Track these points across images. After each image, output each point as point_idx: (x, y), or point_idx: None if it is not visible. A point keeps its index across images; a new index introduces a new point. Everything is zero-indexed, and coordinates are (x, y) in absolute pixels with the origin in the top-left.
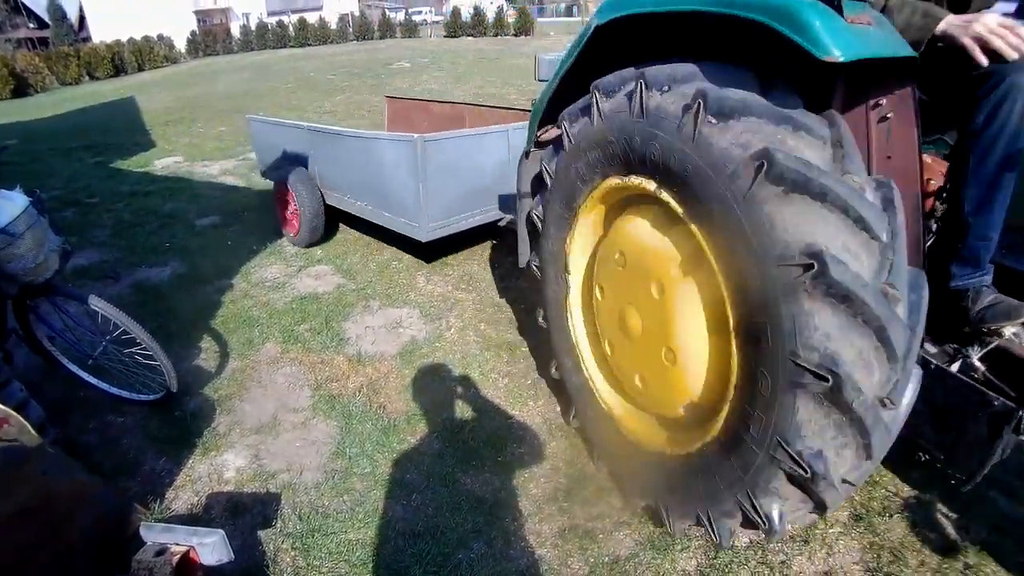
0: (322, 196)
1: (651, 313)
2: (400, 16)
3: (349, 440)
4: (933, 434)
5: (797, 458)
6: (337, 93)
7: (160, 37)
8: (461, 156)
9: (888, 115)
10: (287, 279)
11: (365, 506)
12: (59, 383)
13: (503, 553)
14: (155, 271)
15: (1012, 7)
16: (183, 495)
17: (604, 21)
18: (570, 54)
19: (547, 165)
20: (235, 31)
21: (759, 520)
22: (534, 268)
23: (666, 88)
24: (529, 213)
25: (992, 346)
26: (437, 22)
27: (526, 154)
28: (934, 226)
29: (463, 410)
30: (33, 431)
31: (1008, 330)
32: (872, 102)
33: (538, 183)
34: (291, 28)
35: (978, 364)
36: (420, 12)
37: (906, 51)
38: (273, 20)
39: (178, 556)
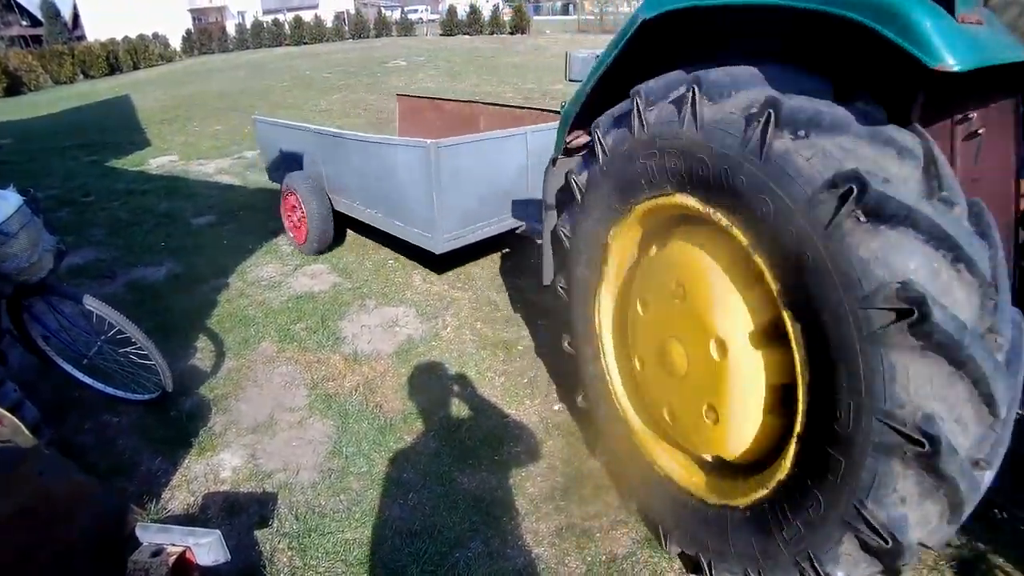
0: (330, 202)
1: (699, 353)
2: (396, 14)
3: (345, 439)
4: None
5: (877, 525)
6: (333, 92)
7: (155, 36)
8: (477, 162)
9: (978, 131)
10: (283, 278)
11: (362, 505)
12: (54, 383)
13: (500, 552)
14: (151, 270)
15: None
16: (179, 495)
17: (652, 15)
18: (608, 53)
19: (576, 177)
20: (230, 29)
21: None
22: (560, 289)
23: (726, 95)
24: (556, 229)
25: None
26: (433, 20)
27: (553, 162)
28: None
29: (460, 409)
30: (28, 432)
31: None
32: (959, 116)
33: (565, 196)
34: (287, 26)
35: None
36: (416, 10)
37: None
38: (268, 18)
39: (174, 557)
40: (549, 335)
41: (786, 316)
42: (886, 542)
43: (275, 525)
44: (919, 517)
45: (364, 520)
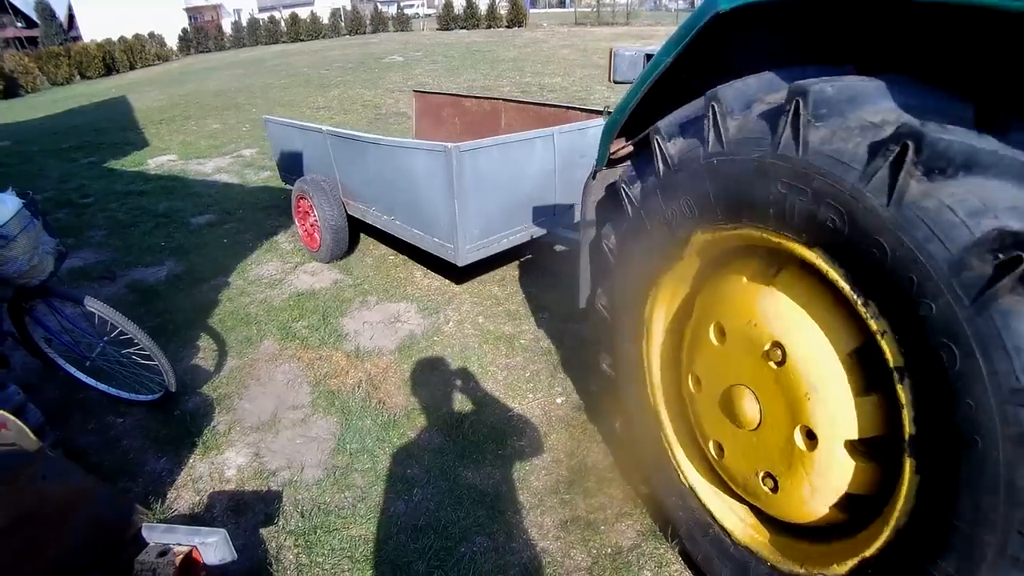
0: (345, 208)
1: (776, 413)
2: (392, 10)
3: (349, 436)
4: None
5: None
6: (331, 88)
7: (151, 35)
8: (502, 166)
9: None
10: (284, 276)
11: (367, 502)
12: (57, 385)
13: (505, 546)
14: (151, 271)
15: None
16: (184, 495)
17: (731, 6)
18: (666, 51)
19: (627, 189)
20: (227, 27)
21: None
22: (600, 307)
23: (839, 113)
24: (597, 244)
25: None
26: (430, 15)
27: (594, 173)
28: None
29: (463, 404)
30: (31, 435)
31: None
32: None
33: (612, 209)
34: (283, 23)
35: None
36: (412, 5)
37: None
38: (264, 16)
39: (181, 556)
40: (551, 328)
41: (905, 402)
42: None
43: (280, 523)
44: None
45: (369, 516)
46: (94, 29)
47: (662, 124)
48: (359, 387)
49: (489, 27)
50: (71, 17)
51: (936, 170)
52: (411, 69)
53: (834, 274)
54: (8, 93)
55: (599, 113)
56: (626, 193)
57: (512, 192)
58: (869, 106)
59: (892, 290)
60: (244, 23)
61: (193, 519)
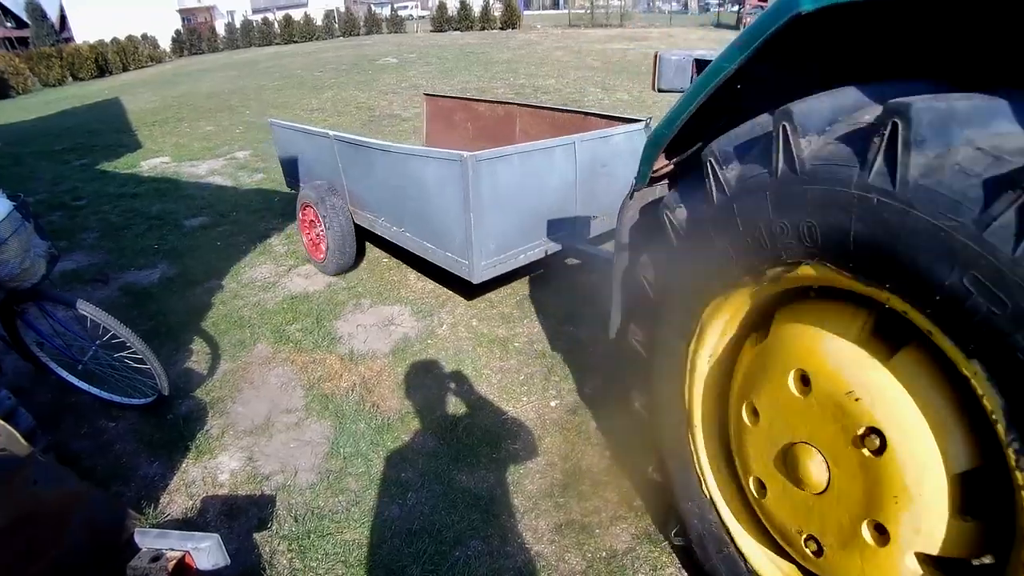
0: (352, 217)
1: (848, 495)
2: (386, 11)
3: (343, 440)
4: None
5: None
6: (324, 90)
7: (144, 36)
8: (521, 176)
9: None
10: (277, 279)
11: (361, 506)
12: (49, 389)
13: (500, 550)
14: (144, 273)
15: None
16: (177, 499)
17: (820, 6)
18: (732, 56)
19: (671, 215)
20: (220, 29)
21: None
22: (635, 344)
23: (946, 139)
24: (633, 273)
25: None
26: (423, 17)
27: (632, 192)
28: None
29: (457, 407)
30: (22, 440)
31: None
32: None
33: (651, 234)
34: (276, 25)
35: None
36: (406, 7)
37: None
38: (258, 17)
39: (173, 562)
40: (545, 331)
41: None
42: None
43: (274, 527)
44: None
45: (363, 521)
46: (86, 30)
47: (717, 144)
48: (353, 390)
49: (483, 29)
50: (63, 18)
51: None
52: (405, 71)
53: (922, 322)
54: None
55: (620, 120)
56: (669, 219)
57: (531, 204)
58: (985, 130)
59: (1008, 352)
60: (237, 24)
61: (186, 524)
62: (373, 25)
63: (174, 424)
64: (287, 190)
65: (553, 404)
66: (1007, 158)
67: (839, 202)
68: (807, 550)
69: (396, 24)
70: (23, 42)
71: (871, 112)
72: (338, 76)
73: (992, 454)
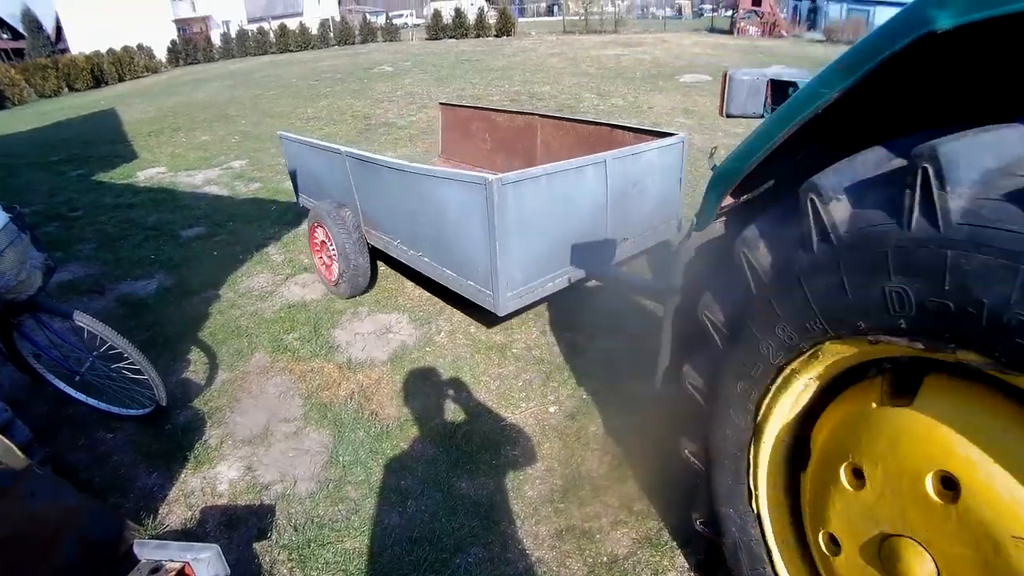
0: (365, 238)
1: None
2: (381, 20)
3: (342, 448)
4: None
5: None
6: (320, 99)
7: (140, 47)
8: (549, 199)
9: None
10: (275, 288)
11: (361, 514)
12: (46, 401)
13: (501, 557)
14: (141, 284)
15: None
16: (176, 510)
17: (955, 23)
18: (833, 81)
19: (751, 255)
20: (215, 39)
21: None
22: (690, 389)
23: None
24: (697, 314)
25: None
26: (418, 25)
27: (690, 232)
28: None
29: (456, 414)
30: (19, 452)
31: None
32: None
33: (718, 271)
34: (272, 35)
35: None
36: (401, 15)
37: None
38: (254, 27)
39: (173, 573)
40: (542, 337)
41: None
42: None
43: (274, 537)
44: None
45: (363, 529)
46: (82, 41)
47: (823, 181)
48: (351, 399)
49: (478, 36)
50: (59, 29)
51: None
52: (400, 79)
53: None
54: None
55: (652, 134)
56: (749, 261)
57: (559, 228)
58: None
59: None
60: (233, 34)
61: (185, 535)
62: (368, 34)
63: (172, 434)
64: (283, 200)
65: (552, 410)
66: None
67: (999, 278)
68: None
69: (391, 32)
70: (19, 53)
71: None
72: (333, 85)
73: None
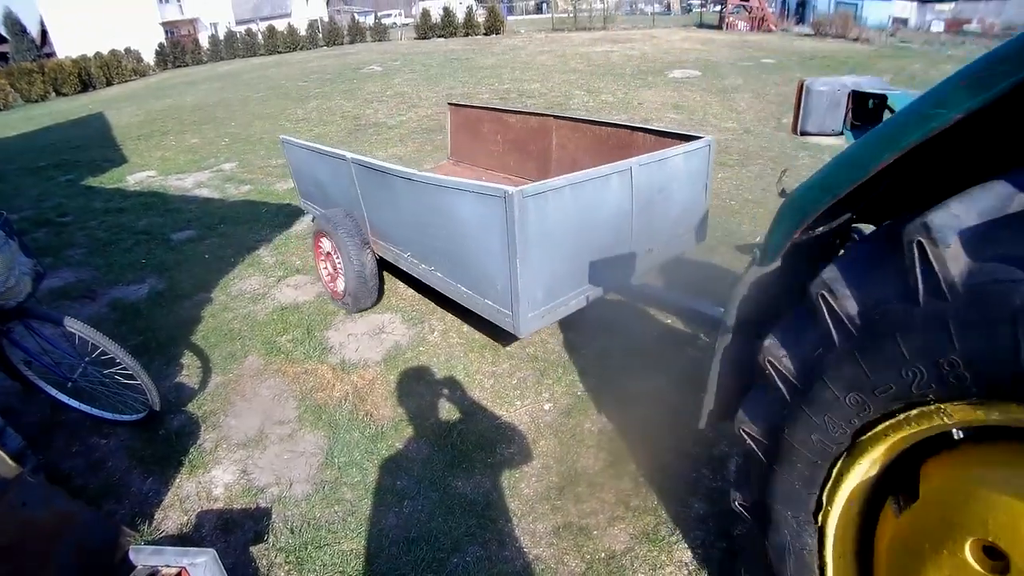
0: (373, 250)
1: None
2: (370, 20)
3: (337, 450)
4: None
5: None
6: (309, 100)
7: (127, 50)
8: (573, 210)
9: None
10: (267, 290)
11: (357, 515)
12: (39, 408)
13: (498, 555)
14: (132, 288)
15: None
16: (172, 515)
17: None
18: (956, 101)
19: (833, 300)
20: (204, 41)
21: None
22: (746, 436)
23: None
24: (759, 356)
25: None
26: (407, 24)
27: (756, 264)
28: None
29: (450, 413)
30: (10, 461)
31: None
32: None
33: (786, 317)
34: (260, 36)
35: None
36: (389, 15)
37: None
38: (242, 29)
39: None
40: (536, 334)
41: None
42: None
43: (271, 540)
44: None
45: (360, 530)
46: (68, 45)
47: (934, 223)
48: (346, 400)
49: (467, 35)
50: (43, 33)
51: None
52: (390, 79)
53: None
54: None
55: (678, 137)
56: (829, 306)
57: (583, 242)
58: None
59: None
60: (221, 36)
61: (181, 540)
62: (357, 34)
63: (166, 439)
64: (274, 202)
65: (547, 407)
66: None
67: None
68: None
69: (380, 32)
70: (3, 57)
71: None
72: (323, 86)
73: None
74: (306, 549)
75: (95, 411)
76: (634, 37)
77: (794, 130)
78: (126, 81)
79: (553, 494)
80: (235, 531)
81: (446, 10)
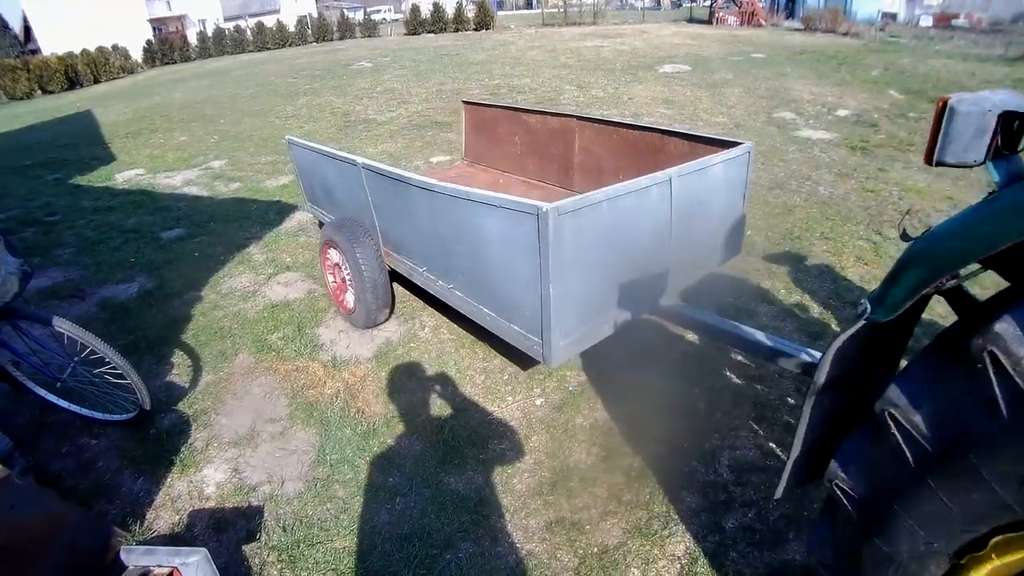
0: (385, 262)
1: None
2: (359, 16)
3: (329, 447)
4: None
5: None
6: (299, 97)
7: (115, 47)
8: (610, 227)
9: None
10: (257, 288)
11: (350, 513)
12: (28, 409)
13: (491, 551)
14: (122, 287)
15: None
16: (164, 515)
17: None
18: None
19: (1008, 361)
20: (192, 38)
21: None
22: (837, 489)
23: None
24: (883, 413)
25: None
26: (397, 20)
27: (868, 316)
28: None
29: (442, 409)
30: None
31: None
32: None
33: (927, 373)
34: (249, 33)
35: None
36: (379, 11)
37: None
38: (230, 25)
39: None
40: None
41: None
42: None
43: (263, 539)
44: None
45: (353, 527)
46: (54, 42)
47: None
48: (337, 397)
49: (456, 30)
50: (27, 29)
51: None
52: (380, 75)
53: None
54: None
55: (716, 143)
56: (1002, 370)
57: (619, 260)
58: None
59: None
60: (210, 33)
61: (173, 539)
62: (346, 30)
63: (157, 439)
64: (263, 199)
65: (538, 402)
66: None
67: None
68: None
69: (369, 28)
70: None
71: None
72: (312, 82)
73: None
74: (298, 547)
75: (85, 411)
76: (624, 32)
77: (928, 160)
78: (114, 78)
79: (545, 489)
80: (227, 530)
81: (436, 5)
